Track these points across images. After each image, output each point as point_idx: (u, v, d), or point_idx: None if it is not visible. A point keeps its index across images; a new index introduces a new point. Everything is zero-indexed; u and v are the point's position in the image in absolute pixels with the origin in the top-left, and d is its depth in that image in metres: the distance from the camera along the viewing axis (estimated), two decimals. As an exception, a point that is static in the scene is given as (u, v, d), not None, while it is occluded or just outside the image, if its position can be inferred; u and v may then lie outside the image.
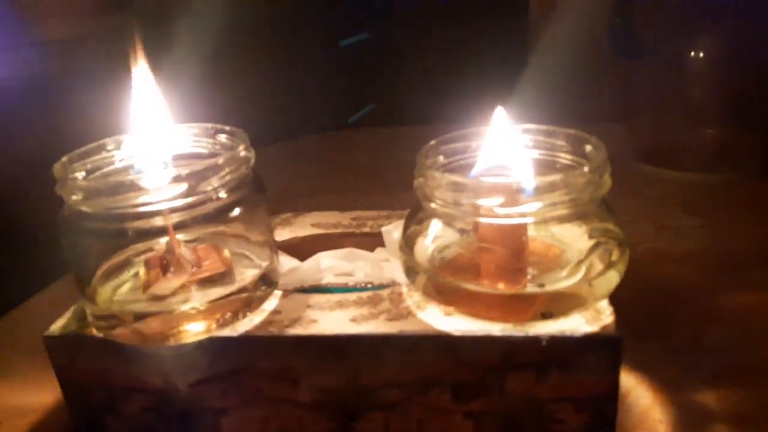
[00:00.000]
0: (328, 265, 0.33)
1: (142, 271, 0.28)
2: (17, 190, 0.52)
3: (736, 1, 0.53)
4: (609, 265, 0.25)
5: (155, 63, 0.28)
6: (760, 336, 0.34)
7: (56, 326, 0.27)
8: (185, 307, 0.26)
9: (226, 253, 0.29)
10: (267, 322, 0.27)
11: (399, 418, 0.26)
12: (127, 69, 0.28)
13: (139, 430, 0.28)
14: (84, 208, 0.25)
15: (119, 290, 0.28)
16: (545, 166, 0.28)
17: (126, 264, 0.29)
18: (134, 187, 0.25)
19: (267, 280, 0.28)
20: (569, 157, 0.27)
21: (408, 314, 0.26)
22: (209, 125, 0.29)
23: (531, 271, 0.26)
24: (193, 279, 0.27)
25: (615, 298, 0.26)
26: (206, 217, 0.26)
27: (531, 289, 0.26)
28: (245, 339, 0.26)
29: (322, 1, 1.17)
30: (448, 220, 0.27)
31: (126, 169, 0.28)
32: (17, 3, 0.58)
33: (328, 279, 0.32)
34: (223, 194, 0.26)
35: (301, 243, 0.35)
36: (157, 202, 0.25)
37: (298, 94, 1.06)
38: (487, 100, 0.28)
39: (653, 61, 0.57)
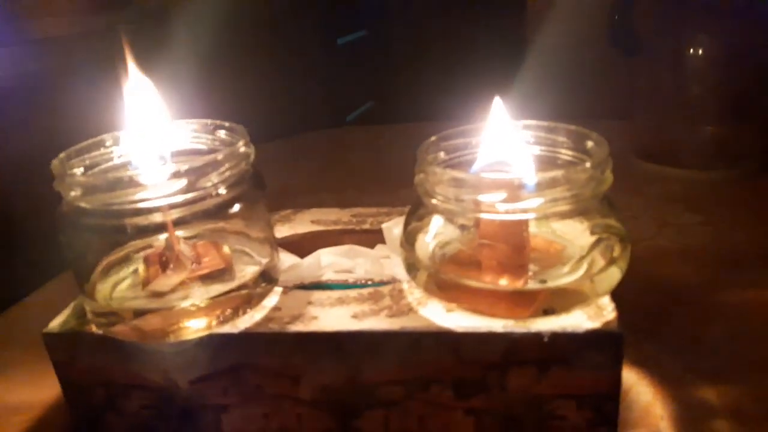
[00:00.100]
0: (328, 262, 0.33)
1: (141, 267, 0.28)
2: (14, 186, 0.52)
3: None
4: (611, 261, 0.25)
5: (154, 61, 0.28)
6: (761, 332, 0.34)
7: (55, 323, 0.27)
8: (185, 304, 0.26)
9: (226, 249, 0.29)
10: (267, 319, 0.26)
11: (400, 415, 0.26)
12: (123, 66, 0.28)
13: (139, 428, 0.28)
14: (83, 204, 0.25)
15: (118, 287, 0.28)
16: (546, 162, 0.28)
17: (125, 260, 0.29)
18: (133, 183, 0.24)
19: (267, 277, 0.28)
20: (570, 153, 0.27)
21: (409, 311, 0.26)
22: (208, 121, 0.29)
23: (532, 268, 0.26)
24: (193, 276, 0.27)
25: (616, 296, 0.26)
26: (206, 214, 0.26)
27: (532, 285, 0.25)
28: (245, 336, 0.26)
29: (321, -1, 1.17)
30: (449, 216, 0.27)
31: (125, 165, 0.28)
32: (14, 1, 0.58)
33: (328, 276, 0.32)
34: (222, 190, 0.26)
35: (301, 240, 0.35)
36: (156, 198, 0.24)
37: (296, 92, 1.06)
38: (486, 97, 0.28)
39: (653, 58, 0.57)
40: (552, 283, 0.25)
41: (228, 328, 0.26)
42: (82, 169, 0.27)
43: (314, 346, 0.26)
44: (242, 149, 0.27)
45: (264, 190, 0.28)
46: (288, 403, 0.27)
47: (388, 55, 1.32)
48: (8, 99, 0.53)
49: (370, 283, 0.31)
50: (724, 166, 0.54)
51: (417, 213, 0.28)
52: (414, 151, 0.27)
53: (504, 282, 0.25)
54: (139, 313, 0.26)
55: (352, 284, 0.31)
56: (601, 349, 0.24)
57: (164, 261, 0.27)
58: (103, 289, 0.28)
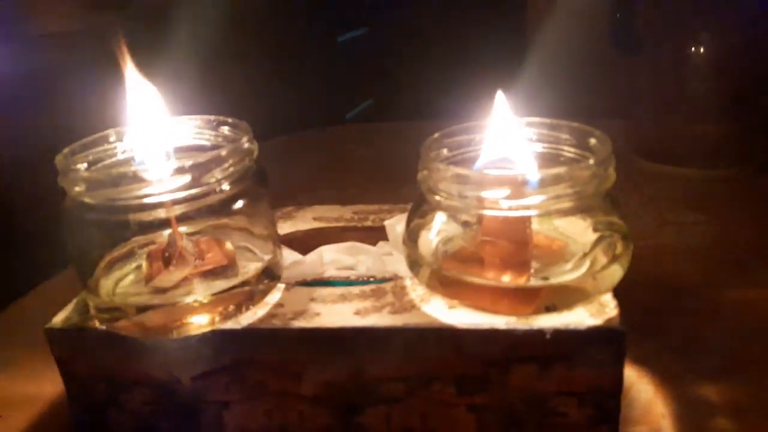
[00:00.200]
0: (330, 258, 0.33)
1: (144, 263, 0.28)
2: (15, 182, 0.52)
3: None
4: (613, 259, 0.25)
5: (155, 58, 0.28)
6: (762, 330, 0.34)
7: (58, 319, 0.27)
8: (188, 300, 0.26)
9: (229, 245, 0.29)
10: (270, 315, 0.26)
11: (402, 412, 0.26)
12: (122, 64, 0.28)
13: (141, 424, 0.28)
14: (86, 200, 0.25)
15: (121, 283, 0.28)
16: (549, 159, 0.28)
17: (128, 256, 0.29)
18: (137, 179, 0.24)
19: (270, 274, 0.28)
20: (573, 150, 0.27)
21: (412, 307, 0.26)
22: (212, 117, 0.29)
23: (535, 265, 0.26)
24: (196, 272, 0.27)
25: (617, 293, 0.26)
26: (209, 210, 0.26)
27: (535, 282, 0.26)
28: (248, 332, 0.26)
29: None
30: (452, 213, 0.27)
31: (128, 161, 0.28)
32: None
33: (330, 273, 0.32)
34: (226, 186, 0.26)
35: (303, 237, 0.35)
36: (160, 194, 0.24)
37: (295, 89, 1.06)
38: (486, 95, 0.28)
39: (654, 56, 0.57)
40: (554, 280, 0.26)
41: (230, 325, 0.26)
42: (85, 165, 0.27)
43: (316, 343, 0.26)
44: (246, 145, 0.27)
45: (267, 186, 0.28)
46: (290, 399, 0.27)
47: (388, 54, 1.31)
48: (8, 95, 0.53)
49: (372, 280, 0.31)
50: (725, 165, 0.55)
51: (420, 210, 0.28)
52: (416, 149, 0.27)
53: (506, 279, 0.26)
54: (142, 309, 0.26)
55: (355, 281, 0.31)
56: (602, 347, 0.24)
57: (167, 257, 0.27)
58: (106, 284, 0.28)
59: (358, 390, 0.26)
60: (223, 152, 0.26)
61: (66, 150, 0.27)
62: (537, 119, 0.28)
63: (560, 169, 0.24)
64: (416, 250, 0.27)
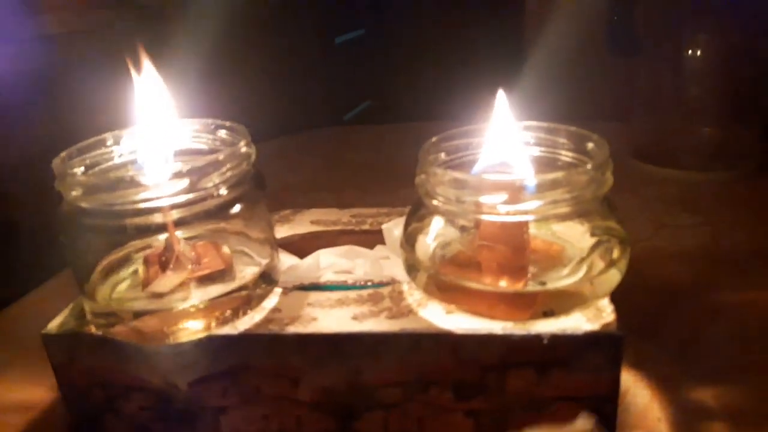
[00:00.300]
0: (327, 262, 0.33)
1: (141, 268, 0.28)
2: (15, 184, 0.52)
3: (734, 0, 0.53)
4: (610, 264, 0.25)
5: (153, 59, 0.28)
6: (759, 334, 0.34)
7: (54, 324, 0.27)
8: (185, 305, 0.26)
9: (226, 250, 0.29)
10: (267, 320, 0.26)
11: (399, 417, 0.26)
12: (126, 63, 0.27)
13: (138, 429, 0.28)
14: (83, 204, 0.25)
15: (118, 287, 0.28)
16: (546, 164, 0.28)
17: (125, 261, 0.29)
18: (134, 183, 0.24)
19: (267, 278, 0.28)
20: (571, 154, 0.27)
21: (409, 312, 0.26)
22: (209, 121, 0.29)
23: (532, 269, 0.26)
24: (193, 276, 0.27)
25: (613, 296, 0.26)
26: (206, 214, 0.26)
27: (532, 287, 0.26)
28: (245, 337, 0.26)
29: (318, -3, 1.16)
30: (450, 218, 0.27)
31: (125, 165, 0.28)
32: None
33: (327, 277, 0.32)
34: (223, 191, 0.26)
35: (301, 240, 0.35)
36: (158, 199, 0.24)
37: (293, 90, 1.06)
38: (484, 97, 0.28)
39: (651, 59, 0.57)
40: (551, 285, 0.26)
41: (227, 330, 0.26)
42: (82, 169, 0.27)
43: (314, 348, 0.26)
44: (243, 149, 0.27)
45: (264, 190, 0.28)
46: (287, 404, 0.27)
47: (386, 55, 1.31)
48: (12, 95, 0.53)
49: (369, 284, 0.31)
50: (722, 167, 0.55)
51: (417, 214, 0.28)
52: (414, 151, 0.27)
53: (504, 284, 0.26)
54: (139, 314, 0.26)
55: (352, 285, 0.31)
56: (600, 351, 0.24)
57: (164, 261, 0.27)
58: (102, 289, 0.28)
59: (356, 395, 0.26)
60: (221, 156, 0.26)
61: (63, 154, 0.27)
62: (535, 123, 0.28)
63: (558, 174, 0.24)
64: (414, 255, 0.27)
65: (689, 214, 0.48)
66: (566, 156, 0.28)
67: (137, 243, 0.29)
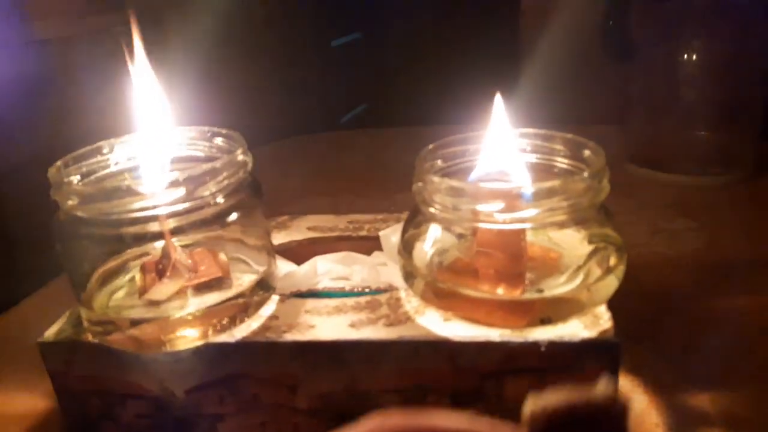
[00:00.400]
0: (324, 269, 0.33)
1: (138, 276, 0.28)
2: (9, 190, 0.52)
3: (729, 5, 0.53)
4: (607, 271, 0.25)
5: (150, 63, 0.28)
6: (755, 339, 0.34)
7: (51, 332, 0.27)
8: (182, 313, 0.26)
9: (223, 257, 0.29)
10: (264, 328, 0.26)
11: (397, 424, 0.26)
12: (124, 68, 0.27)
13: (135, 437, 0.28)
14: (79, 213, 0.25)
15: (115, 295, 0.28)
16: (543, 171, 0.28)
17: (122, 269, 0.29)
18: (130, 192, 0.24)
19: (264, 285, 0.28)
20: (567, 161, 0.28)
21: (407, 319, 0.26)
22: (206, 128, 0.29)
23: (529, 277, 0.26)
24: (190, 284, 0.27)
25: (610, 303, 0.26)
26: (203, 222, 0.26)
27: (530, 294, 0.26)
28: (242, 345, 0.26)
29: (314, 1, 1.17)
30: (447, 225, 0.27)
31: (121, 173, 0.28)
32: (15, 1, 0.57)
33: (324, 283, 0.32)
34: (220, 199, 0.26)
35: (298, 247, 0.35)
36: (154, 207, 0.24)
37: (289, 94, 1.06)
38: (479, 101, 0.28)
39: (646, 63, 0.58)
40: (549, 293, 0.26)
41: (224, 338, 0.26)
42: (78, 177, 0.27)
43: (311, 356, 0.26)
44: (240, 157, 0.27)
45: (261, 198, 0.28)
46: (285, 412, 0.27)
47: (381, 58, 1.32)
48: (7, 100, 0.52)
49: (366, 290, 0.31)
50: (717, 171, 0.55)
51: (415, 221, 0.28)
52: (410, 156, 0.27)
53: (501, 291, 0.26)
54: (136, 322, 0.26)
55: (349, 292, 0.31)
56: (597, 358, 0.24)
57: (161, 269, 0.27)
58: (99, 297, 0.28)
59: (354, 402, 0.26)
60: (218, 164, 0.25)
61: (59, 163, 0.27)
62: (531, 130, 0.29)
63: (555, 182, 0.24)
64: (411, 262, 0.27)
65: (685, 218, 0.48)
66: (562, 163, 0.28)
67: (134, 251, 0.29)
